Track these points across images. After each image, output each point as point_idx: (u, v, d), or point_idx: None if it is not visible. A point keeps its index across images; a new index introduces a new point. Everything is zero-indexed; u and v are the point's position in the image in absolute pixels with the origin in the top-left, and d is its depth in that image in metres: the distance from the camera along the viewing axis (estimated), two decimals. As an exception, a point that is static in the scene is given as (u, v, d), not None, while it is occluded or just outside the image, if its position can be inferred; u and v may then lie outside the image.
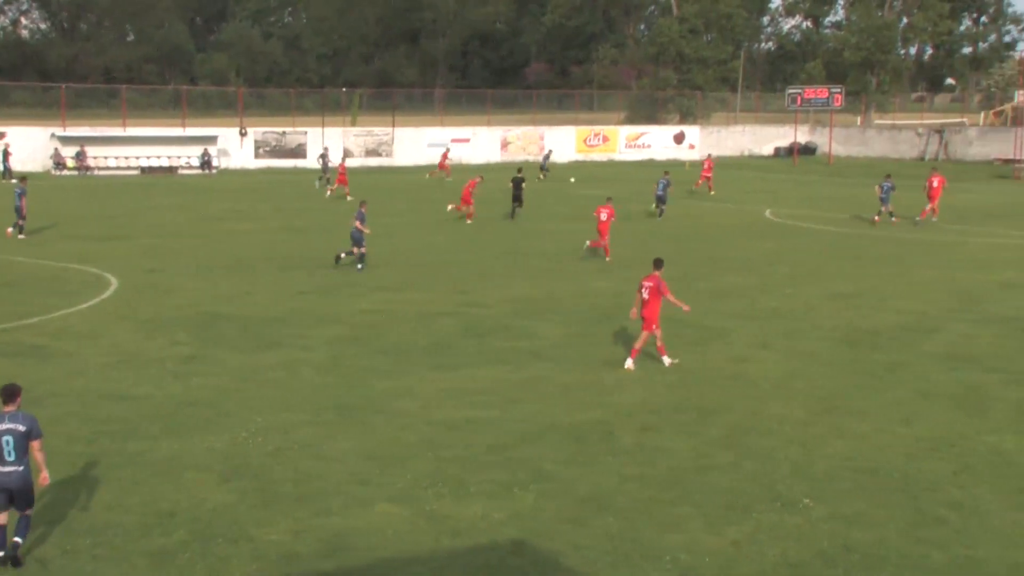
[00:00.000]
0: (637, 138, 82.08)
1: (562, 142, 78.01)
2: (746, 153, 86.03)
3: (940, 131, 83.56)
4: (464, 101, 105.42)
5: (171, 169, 65.04)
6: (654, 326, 18.51)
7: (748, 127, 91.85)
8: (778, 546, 11.21)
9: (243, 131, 69.33)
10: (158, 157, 65.43)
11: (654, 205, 42.48)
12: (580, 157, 77.70)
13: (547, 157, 66.95)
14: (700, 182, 52.82)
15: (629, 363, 18.54)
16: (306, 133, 71.23)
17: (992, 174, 66.59)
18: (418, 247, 33.46)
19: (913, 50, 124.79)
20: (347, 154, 63.56)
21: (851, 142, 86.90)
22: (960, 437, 14.74)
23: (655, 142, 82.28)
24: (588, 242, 31.72)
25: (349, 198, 48.02)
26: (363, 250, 28.95)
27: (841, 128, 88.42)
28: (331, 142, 70.45)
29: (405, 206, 46.14)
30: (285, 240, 35.13)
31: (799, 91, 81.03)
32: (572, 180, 58.94)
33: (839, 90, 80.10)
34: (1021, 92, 74.24)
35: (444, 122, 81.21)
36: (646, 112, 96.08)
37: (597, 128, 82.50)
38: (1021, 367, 18.54)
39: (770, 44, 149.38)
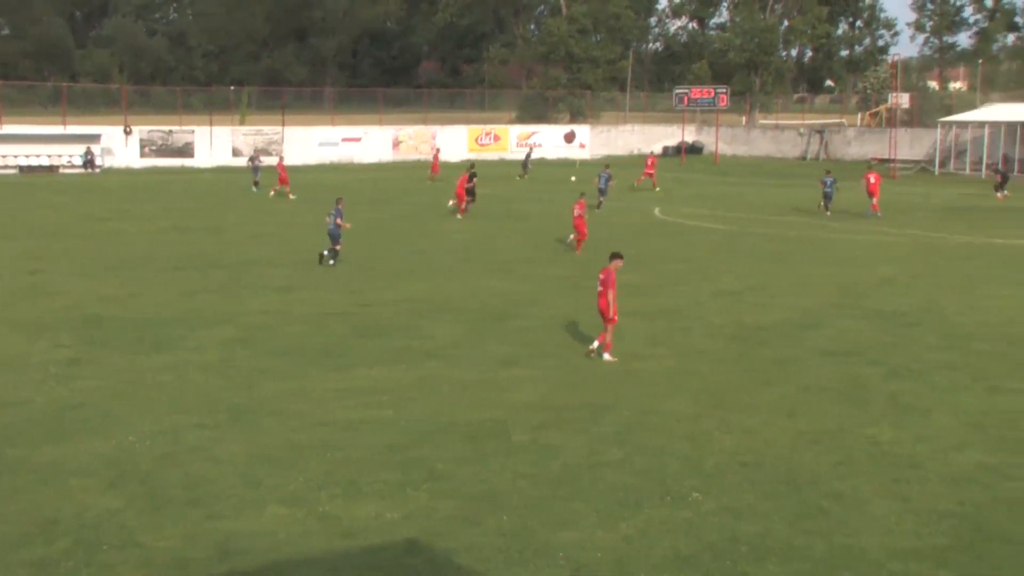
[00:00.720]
0: (528, 137, 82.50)
1: (454, 141, 78.06)
2: (635, 152, 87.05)
3: (821, 131, 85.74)
4: (355, 100, 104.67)
5: (52, 168, 63.40)
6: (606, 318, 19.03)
7: (637, 126, 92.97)
8: (668, 540, 11.40)
9: (127, 129, 67.90)
10: (37, 156, 63.73)
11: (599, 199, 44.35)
12: (472, 156, 77.78)
13: (528, 156, 67.34)
14: (642, 178, 55.69)
15: (607, 356, 19.04)
16: (193, 132, 70.08)
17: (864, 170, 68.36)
18: (311, 247, 33.15)
19: (794, 52, 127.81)
20: (251, 155, 62.27)
21: (736, 141, 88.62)
22: (841, 430, 15.15)
23: (546, 141, 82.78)
24: (575, 248, 32.37)
25: (292, 196, 47.96)
26: (338, 247, 29.55)
27: (727, 128, 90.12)
28: (219, 141, 69.51)
29: (297, 206, 45.74)
30: (174, 240, 34.52)
31: (686, 91, 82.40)
32: (573, 179, 57.93)
33: (724, 90, 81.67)
34: (894, 94, 76.55)
35: (335, 121, 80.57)
36: (537, 111, 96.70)
37: (488, 127, 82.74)
38: (898, 360, 19.13)
39: (658, 45, 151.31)
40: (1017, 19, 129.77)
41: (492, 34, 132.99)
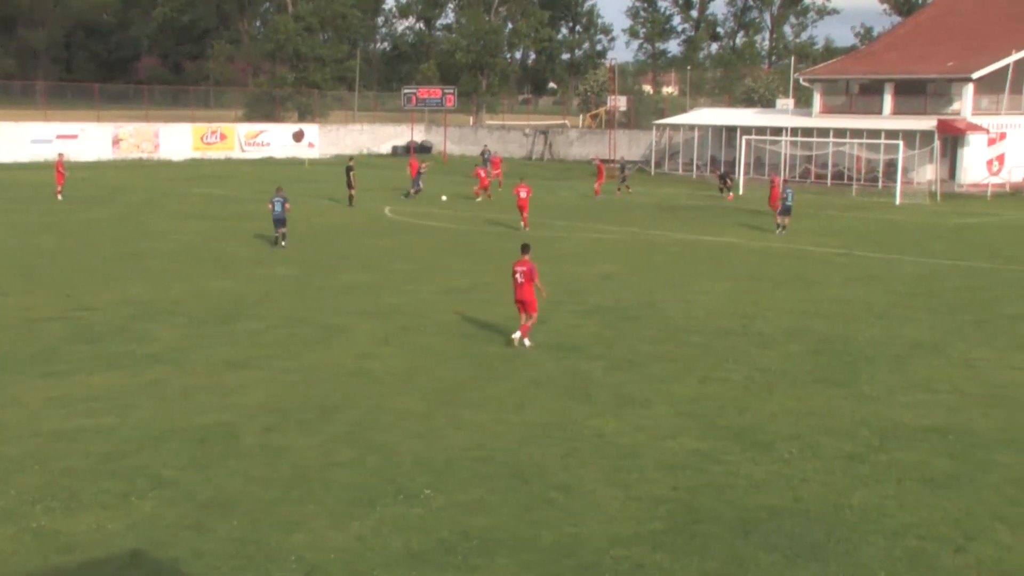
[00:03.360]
0: (256, 136, 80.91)
1: (178, 140, 75.59)
2: (365, 151, 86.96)
3: (545, 132, 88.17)
4: (70, 95, 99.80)
5: None
6: (531, 308, 20.02)
7: (366, 126, 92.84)
8: (401, 537, 11.49)
9: None
10: None
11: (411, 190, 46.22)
12: (197, 155, 75.61)
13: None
14: (493, 180, 54.33)
15: (517, 336, 20.16)
16: None
17: (590, 172, 70.56)
18: (19, 248, 31.42)
19: (519, 55, 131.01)
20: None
21: (464, 141, 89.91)
22: (568, 422, 15.66)
23: (274, 140, 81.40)
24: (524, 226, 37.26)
25: (60, 197, 45.08)
26: (285, 229, 33.12)
27: (455, 127, 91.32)
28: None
29: (4, 205, 43.17)
30: None
31: (414, 91, 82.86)
32: (444, 198, 50.74)
33: (452, 91, 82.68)
34: (612, 97, 79.74)
35: (48, 116, 76.35)
36: (264, 110, 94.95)
37: (214, 125, 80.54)
38: (619, 354, 19.94)
39: (385, 44, 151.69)
40: (719, 30, 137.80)
41: (216, 30, 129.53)
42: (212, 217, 40.96)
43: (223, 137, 78.90)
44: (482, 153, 68.09)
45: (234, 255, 31.25)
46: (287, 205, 33.13)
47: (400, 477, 13.26)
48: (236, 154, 77.88)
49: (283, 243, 32.98)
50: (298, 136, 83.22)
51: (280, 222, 33.01)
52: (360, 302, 24.52)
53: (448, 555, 11.10)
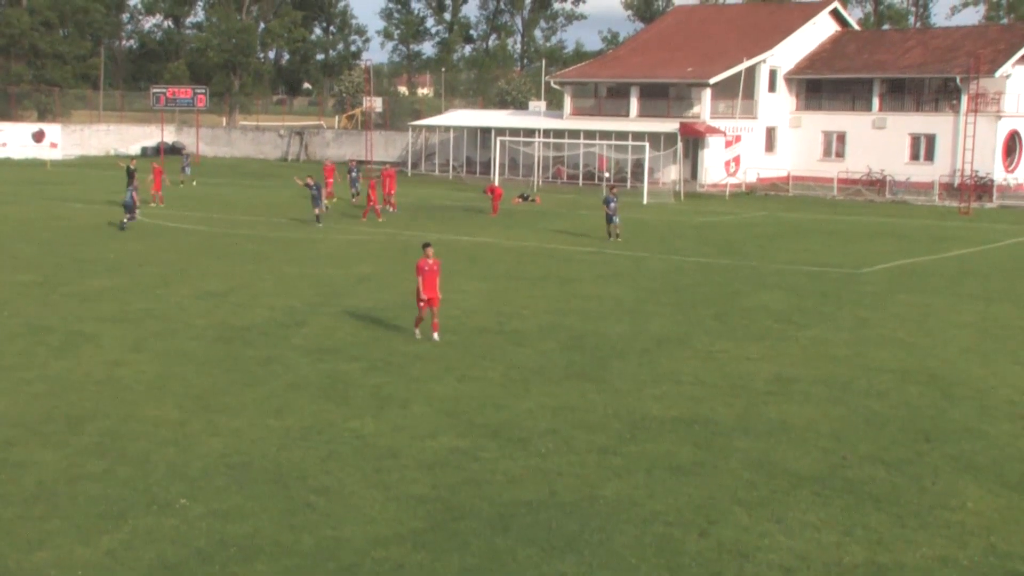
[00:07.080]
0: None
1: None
2: (112, 152, 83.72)
3: (300, 133, 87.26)
4: None
5: None
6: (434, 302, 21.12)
7: (113, 126, 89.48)
8: (155, 549, 11.17)
9: None
10: None
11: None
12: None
13: (187, 156, 64.83)
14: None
15: (436, 336, 21.17)
16: None
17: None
18: None
19: (272, 55, 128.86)
20: None
21: (218, 142, 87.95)
22: (327, 425, 15.58)
23: (12, 140, 77.32)
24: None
25: None
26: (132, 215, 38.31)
27: (207, 128, 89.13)
28: None
29: None
30: None
31: (163, 91, 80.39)
32: (392, 210, 46.77)
33: (203, 91, 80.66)
34: (368, 98, 79.68)
35: None
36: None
37: (-57, 124, 75.83)
38: (377, 355, 19.96)
39: (132, 42, 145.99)
40: (472, 32, 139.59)
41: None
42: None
43: (-46, 137, 74.36)
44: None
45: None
46: (135, 195, 38.38)
47: (154, 487, 12.88)
48: (-31, 155, 73.55)
49: (125, 220, 38.05)
50: (39, 136, 79.33)
51: (127, 208, 38.05)
52: (109, 308, 23.62)
53: (205, 564, 10.87)
